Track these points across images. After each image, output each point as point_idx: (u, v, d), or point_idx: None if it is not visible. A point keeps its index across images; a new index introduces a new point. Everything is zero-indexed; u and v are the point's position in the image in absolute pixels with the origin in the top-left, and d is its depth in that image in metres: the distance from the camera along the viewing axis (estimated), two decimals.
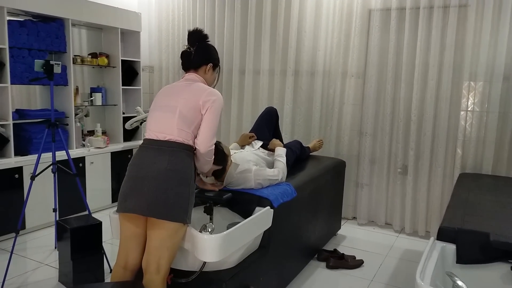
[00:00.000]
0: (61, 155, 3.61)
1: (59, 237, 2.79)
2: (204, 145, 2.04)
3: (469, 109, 3.58)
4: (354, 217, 4.23)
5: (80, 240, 2.69)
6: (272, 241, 2.46)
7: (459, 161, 3.60)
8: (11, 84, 3.53)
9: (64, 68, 4.00)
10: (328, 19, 4.06)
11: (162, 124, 2.02)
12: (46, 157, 3.38)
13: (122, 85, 4.59)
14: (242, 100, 4.58)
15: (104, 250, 2.85)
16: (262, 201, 2.38)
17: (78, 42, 4.48)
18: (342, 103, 4.12)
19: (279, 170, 2.65)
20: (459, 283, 1.71)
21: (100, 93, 4.53)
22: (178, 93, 2.08)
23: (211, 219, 2.37)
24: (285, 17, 4.25)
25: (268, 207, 2.33)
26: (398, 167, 3.88)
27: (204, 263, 2.02)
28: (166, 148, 1.97)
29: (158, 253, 1.92)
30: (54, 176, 3.05)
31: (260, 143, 3.14)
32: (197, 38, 2.20)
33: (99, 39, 4.63)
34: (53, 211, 3.20)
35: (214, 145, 2.10)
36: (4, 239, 3.42)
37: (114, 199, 4.39)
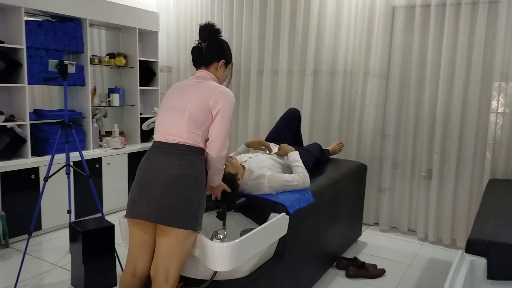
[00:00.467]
0: (77, 156, 3.59)
1: (71, 239, 2.75)
2: (216, 149, 1.93)
3: (499, 111, 3.38)
4: (376, 223, 4.07)
5: (92, 243, 2.64)
6: (288, 249, 2.34)
7: (489, 166, 3.40)
8: (28, 84, 3.52)
9: (82, 69, 3.98)
10: (350, 17, 3.91)
11: (171, 126, 1.93)
12: (62, 158, 3.35)
13: (140, 86, 4.56)
14: (260, 101, 4.47)
15: (117, 253, 2.80)
16: (277, 207, 2.27)
17: (97, 43, 4.47)
18: (364, 104, 3.97)
19: (299, 175, 2.52)
20: None
21: (118, 94, 4.50)
22: (188, 93, 1.98)
23: (224, 224, 2.28)
24: (305, 15, 4.13)
25: (284, 213, 2.21)
26: (423, 171, 3.70)
27: (215, 272, 1.93)
28: (175, 151, 1.88)
29: (167, 261, 1.84)
30: (68, 177, 3.01)
31: (277, 147, 3.00)
32: (209, 32, 2.08)
33: (118, 40, 4.61)
34: (67, 213, 3.17)
35: (226, 150, 1.99)
36: (20, 239, 3.41)
37: None
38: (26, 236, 3.43)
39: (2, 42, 3.43)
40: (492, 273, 1.78)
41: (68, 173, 2.95)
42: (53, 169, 2.95)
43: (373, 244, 3.61)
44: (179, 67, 5.02)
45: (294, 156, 2.70)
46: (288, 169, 2.72)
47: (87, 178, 2.94)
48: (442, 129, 3.56)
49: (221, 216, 2.25)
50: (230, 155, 2.64)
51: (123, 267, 2.02)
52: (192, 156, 1.89)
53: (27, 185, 3.42)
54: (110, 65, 4.43)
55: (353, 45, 3.94)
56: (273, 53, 4.34)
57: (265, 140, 3.34)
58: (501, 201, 2.54)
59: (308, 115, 4.21)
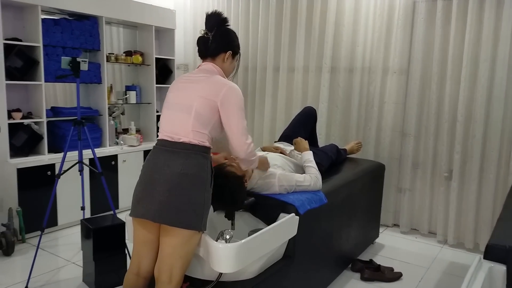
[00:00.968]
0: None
1: (83, 236, 2.75)
2: (240, 149, 1.92)
3: None
4: (394, 224, 3.94)
5: (102, 240, 2.64)
6: (298, 250, 2.27)
7: None
8: (45, 82, 3.56)
9: (98, 66, 4.00)
10: (369, 12, 3.80)
11: (176, 125, 1.87)
12: (77, 155, 3.37)
13: (156, 83, 4.56)
14: (276, 99, 4.40)
15: (128, 251, 2.79)
16: (287, 207, 2.20)
17: (116, 41, 4.49)
18: (383, 102, 3.84)
19: (311, 176, 2.44)
20: None
21: (135, 92, 4.51)
22: (194, 88, 1.90)
23: (232, 224, 2.23)
24: (322, 11, 4.03)
25: (293, 214, 2.14)
26: (444, 171, 3.55)
27: (220, 273, 1.88)
28: (180, 150, 1.83)
29: (171, 261, 1.80)
30: (81, 174, 3.02)
31: (291, 147, 2.93)
32: (215, 22, 1.99)
33: (134, 37, 4.62)
34: (81, 209, 3.19)
35: (251, 143, 1.95)
36: (36, 235, 3.45)
37: None
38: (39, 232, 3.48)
39: (20, 40, 3.48)
40: None
41: (80, 170, 2.96)
42: (68, 166, 2.97)
43: (391, 246, 3.49)
44: (196, 65, 5.00)
45: (308, 156, 2.62)
46: (300, 169, 2.64)
47: (99, 175, 2.94)
48: (464, 128, 3.40)
49: (230, 216, 2.20)
50: None
51: None
52: (197, 155, 1.84)
53: (43, 181, 3.46)
54: (127, 63, 4.44)
55: (371, 40, 3.82)
56: (289, 49, 4.26)
57: (279, 138, 3.28)
58: None
59: (325, 113, 4.12)
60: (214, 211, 2.28)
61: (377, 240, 3.56)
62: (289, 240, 2.21)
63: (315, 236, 2.46)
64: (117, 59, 4.31)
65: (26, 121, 3.51)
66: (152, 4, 4.47)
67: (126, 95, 4.47)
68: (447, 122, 3.47)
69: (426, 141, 3.64)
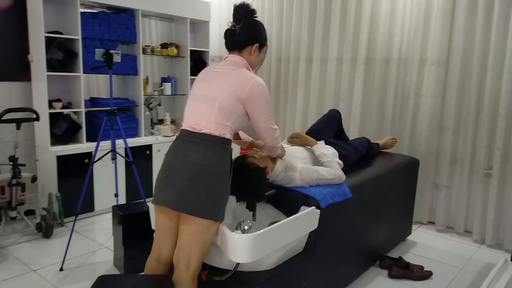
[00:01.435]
0: (128, 142, 3.71)
1: (114, 222, 2.86)
2: (268, 140, 2.04)
3: None
4: (430, 222, 3.80)
5: (131, 227, 2.73)
6: (320, 244, 2.25)
7: None
8: (84, 73, 3.70)
9: (134, 58, 4.12)
10: (406, 0, 3.65)
11: (199, 116, 1.89)
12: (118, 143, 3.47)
13: (191, 75, 4.62)
14: (309, 91, 4.35)
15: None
16: (308, 200, 2.17)
17: (154, 33, 4.59)
18: (420, 95, 3.70)
19: (334, 170, 2.39)
20: None
21: (170, 83, 4.61)
22: (219, 81, 1.92)
23: (254, 215, 2.23)
24: (357, 0, 3.92)
25: (314, 207, 2.12)
26: (484, 168, 3.38)
27: (238, 263, 1.89)
28: (201, 141, 1.85)
29: (188, 248, 1.83)
30: (114, 162, 3.13)
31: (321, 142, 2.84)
32: (243, 13, 1.99)
33: (170, 30, 4.71)
34: (115, 196, 3.31)
35: (278, 139, 2.08)
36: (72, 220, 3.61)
37: None
38: (79, 216, 3.64)
39: (61, 33, 3.64)
40: None
41: (113, 159, 3.07)
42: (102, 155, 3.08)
43: (423, 244, 3.38)
44: None
45: (321, 149, 2.48)
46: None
47: (130, 164, 3.04)
48: (506, 123, 3.20)
49: (251, 207, 2.20)
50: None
51: None
52: (217, 146, 1.86)
53: (81, 168, 3.61)
54: (162, 55, 4.53)
55: (408, 30, 3.68)
56: (323, 40, 4.19)
57: (306, 133, 3.22)
58: None
59: (359, 105, 4.02)
60: (236, 202, 2.29)
61: (409, 237, 3.45)
62: (310, 233, 2.18)
63: (339, 231, 2.42)
64: (152, 52, 4.41)
65: (65, 111, 3.68)
66: None
67: (161, 86, 4.57)
68: (487, 116, 3.29)
69: (465, 136, 3.47)
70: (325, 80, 4.22)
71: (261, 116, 1.95)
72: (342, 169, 2.47)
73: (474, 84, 3.35)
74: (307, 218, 2.07)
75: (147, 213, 2.78)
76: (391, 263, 2.89)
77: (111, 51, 2.89)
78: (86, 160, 3.65)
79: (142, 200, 3.04)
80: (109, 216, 3.78)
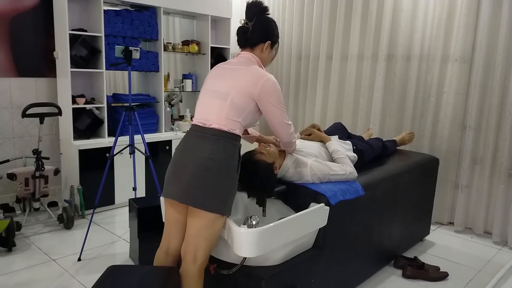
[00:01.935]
0: (149, 137, 3.83)
1: (130, 215, 2.93)
2: (283, 133, 2.09)
3: None
4: (450, 223, 3.71)
5: (146, 219, 2.78)
6: (329, 241, 2.24)
7: None
8: (106, 70, 3.80)
9: (156, 55, 4.19)
10: None
11: (210, 111, 1.92)
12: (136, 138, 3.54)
13: None
14: (328, 88, 4.31)
15: None
16: (318, 197, 2.16)
17: (178, 30, 4.66)
18: (442, 92, 3.61)
19: (346, 166, 2.37)
20: None
21: (191, 80, 4.67)
22: (232, 77, 1.94)
23: (264, 211, 2.25)
24: None
25: (323, 204, 2.11)
26: (508, 168, 3.27)
27: (244, 257, 1.91)
28: (210, 135, 1.88)
29: (195, 241, 1.86)
30: (133, 157, 3.20)
31: (334, 136, 2.81)
32: (256, 11, 2.00)
33: (192, 27, 4.76)
34: (133, 190, 3.39)
35: (293, 135, 2.15)
36: (95, 212, 3.72)
37: None
38: (100, 208, 3.76)
39: (85, 31, 3.75)
40: None
41: (131, 153, 3.14)
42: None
43: (442, 244, 3.30)
44: None
45: (334, 146, 2.48)
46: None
47: (148, 158, 3.10)
48: None
49: (261, 203, 2.22)
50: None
51: None
52: (226, 141, 1.88)
53: (102, 162, 3.68)
54: (183, 52, 4.59)
55: (431, 26, 3.59)
56: (344, 36, 4.14)
57: None
58: None
59: (380, 103, 3.96)
60: (248, 198, 2.31)
61: (428, 238, 3.38)
62: (320, 230, 2.18)
63: (350, 229, 2.40)
64: (174, 48, 4.47)
65: (88, 106, 3.79)
66: None
67: (182, 83, 4.64)
68: (511, 115, 3.18)
69: (486, 135, 3.37)
70: (345, 77, 4.17)
71: (275, 113, 1.97)
72: (357, 165, 2.43)
73: (497, 81, 3.24)
74: (315, 215, 2.07)
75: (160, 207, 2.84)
76: (405, 263, 2.84)
77: (130, 48, 2.96)
78: (107, 154, 3.73)
79: (159, 194, 3.09)
80: (128, 209, 3.86)
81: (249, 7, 2.03)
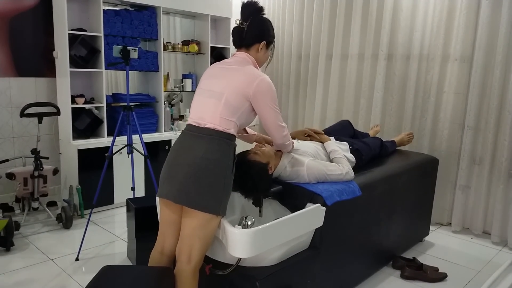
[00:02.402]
0: (148, 137, 3.85)
1: (128, 215, 2.93)
2: (276, 135, 2.07)
3: None
4: (450, 223, 3.69)
5: (144, 219, 2.77)
6: (326, 242, 2.22)
7: None
8: (105, 69, 3.80)
9: (155, 55, 4.19)
10: None
11: (205, 111, 1.91)
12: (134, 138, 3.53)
13: None
14: (328, 87, 4.30)
15: None
16: (314, 197, 2.15)
17: (178, 30, 4.66)
18: (442, 92, 3.59)
19: (343, 166, 2.35)
20: None
21: (191, 80, 4.67)
22: (226, 77, 1.94)
23: (260, 211, 2.24)
24: None
25: (318, 204, 2.10)
26: (509, 168, 3.24)
27: (239, 258, 1.90)
28: (204, 135, 1.87)
29: (190, 242, 1.85)
30: (131, 156, 3.21)
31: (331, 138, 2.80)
32: (251, 11, 2.01)
33: (192, 27, 4.76)
34: (131, 190, 3.39)
35: (287, 136, 2.13)
36: (94, 211, 3.72)
37: None
38: (99, 208, 3.76)
39: (84, 31, 3.75)
40: None
41: (129, 153, 3.14)
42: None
43: (441, 245, 3.29)
44: None
45: (332, 146, 2.48)
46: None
47: (145, 158, 3.10)
48: None
49: (257, 203, 2.21)
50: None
51: None
52: (220, 141, 1.87)
53: (101, 162, 3.68)
54: (183, 52, 4.59)
55: (431, 25, 3.58)
56: (344, 36, 4.13)
57: None
58: None
59: (380, 102, 3.94)
60: (245, 198, 2.30)
61: (427, 238, 3.36)
62: (316, 230, 2.17)
63: (347, 229, 2.39)
64: (174, 48, 4.47)
65: (87, 106, 3.79)
66: None
67: (182, 83, 4.64)
68: (510, 115, 3.16)
69: (485, 135, 3.35)
70: (345, 77, 4.16)
71: (268, 114, 1.96)
72: (356, 165, 2.41)
73: (496, 80, 3.22)
74: (311, 215, 2.06)
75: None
76: (404, 263, 2.82)
77: (128, 48, 2.96)
78: (107, 154, 3.74)
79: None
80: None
81: (244, 7, 2.03)
